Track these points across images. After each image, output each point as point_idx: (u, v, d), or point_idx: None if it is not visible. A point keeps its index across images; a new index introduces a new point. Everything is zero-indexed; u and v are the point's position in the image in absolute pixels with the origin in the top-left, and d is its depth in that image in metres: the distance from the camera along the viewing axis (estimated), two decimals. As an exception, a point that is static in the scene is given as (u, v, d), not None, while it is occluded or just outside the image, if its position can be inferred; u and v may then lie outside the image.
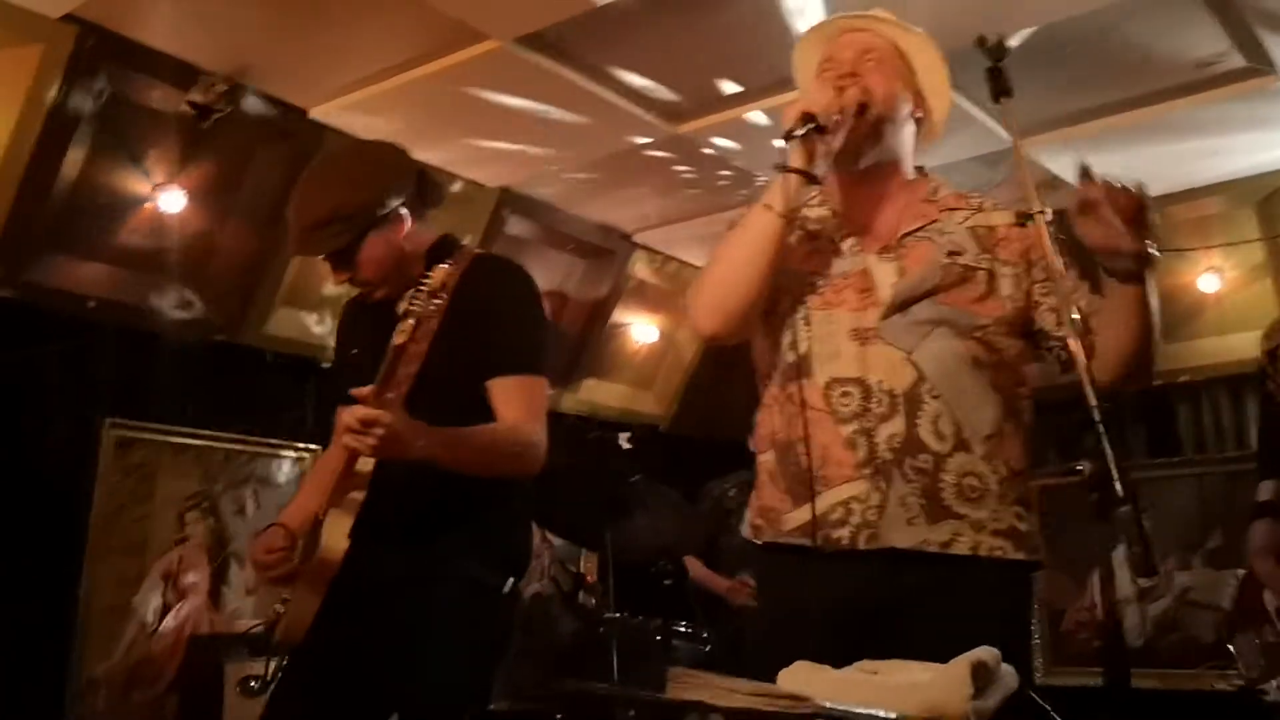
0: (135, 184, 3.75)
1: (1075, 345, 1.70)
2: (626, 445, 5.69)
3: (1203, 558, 5.02)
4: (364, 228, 2.20)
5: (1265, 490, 2.72)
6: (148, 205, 3.77)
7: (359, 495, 2.11)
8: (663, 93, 3.92)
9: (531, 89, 3.79)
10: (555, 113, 3.96)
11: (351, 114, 3.93)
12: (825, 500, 1.87)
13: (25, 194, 3.49)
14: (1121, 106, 4.00)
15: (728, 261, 1.95)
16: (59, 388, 3.74)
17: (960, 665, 1.63)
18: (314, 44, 3.54)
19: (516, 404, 2.20)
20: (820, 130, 1.84)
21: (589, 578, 5.02)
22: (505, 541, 2.31)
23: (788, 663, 1.83)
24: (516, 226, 4.85)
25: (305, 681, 2.18)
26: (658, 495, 4.11)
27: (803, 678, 1.65)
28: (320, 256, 2.24)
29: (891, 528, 1.84)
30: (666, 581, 3.92)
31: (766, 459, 1.99)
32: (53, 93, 3.41)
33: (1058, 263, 1.79)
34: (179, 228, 3.83)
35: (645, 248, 5.36)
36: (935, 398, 1.86)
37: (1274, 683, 2.52)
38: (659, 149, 4.29)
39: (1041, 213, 1.84)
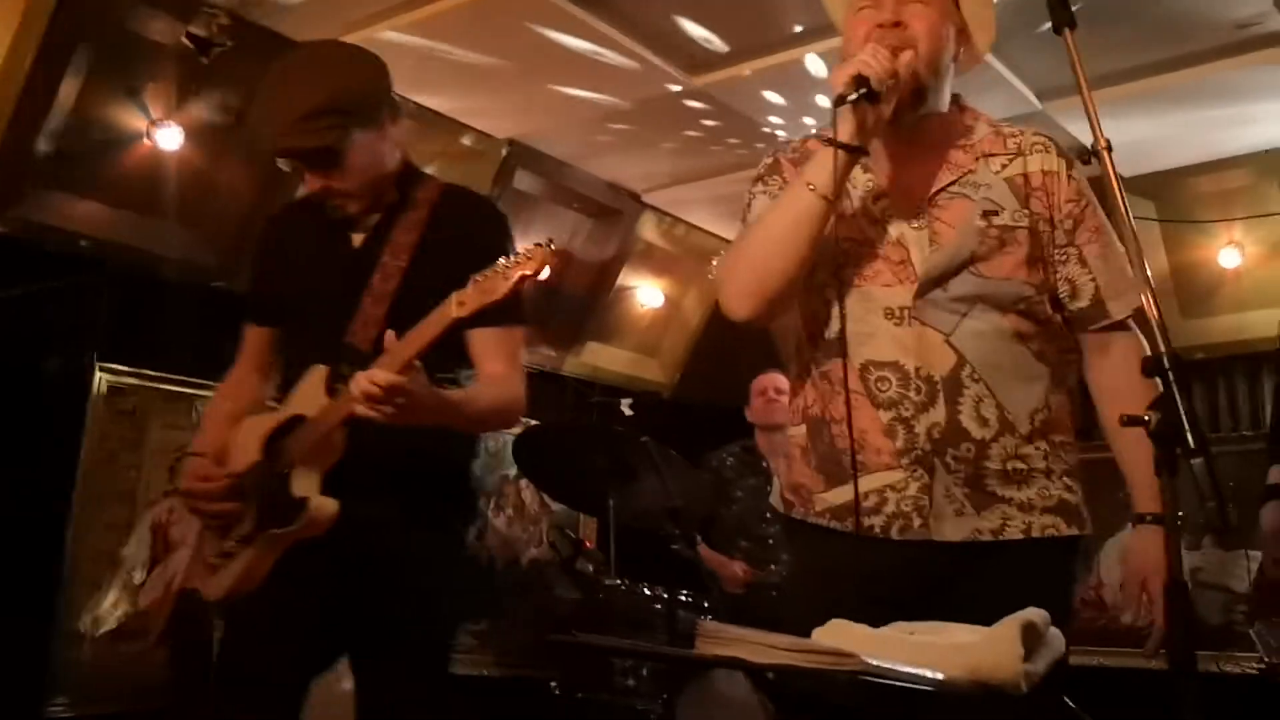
0: (132, 119, 3.61)
1: (1149, 301, 1.60)
2: (628, 412, 5.60)
3: (1212, 538, 4.95)
4: (356, 126, 2.04)
5: (1276, 473, 2.65)
6: (145, 142, 3.64)
7: (336, 453, 2.02)
8: (683, 40, 3.78)
9: (546, 31, 3.65)
10: (571, 59, 3.83)
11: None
12: (862, 485, 1.79)
13: (18, 126, 3.36)
14: (1154, 69, 3.88)
15: (764, 243, 1.82)
16: (50, 328, 3.65)
17: (1010, 626, 1.54)
18: (322, -22, 3.41)
19: (498, 357, 2.12)
20: (872, 98, 1.70)
21: (588, 543, 4.93)
22: (466, 489, 2.26)
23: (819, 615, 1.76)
24: (524, 181, 4.72)
25: (262, 631, 2.08)
26: (667, 456, 4.01)
27: (839, 634, 1.56)
28: (298, 155, 2.03)
29: (940, 521, 1.77)
30: (674, 546, 3.82)
31: (798, 433, 1.92)
32: (47, 21, 3.26)
33: (1124, 207, 1.69)
34: (177, 166, 3.70)
35: (654, 208, 5.24)
36: (976, 381, 1.78)
37: None
38: (675, 101, 4.15)
39: (1108, 147, 1.75)
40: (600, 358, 5.54)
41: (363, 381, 1.86)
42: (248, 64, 3.64)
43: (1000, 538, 1.78)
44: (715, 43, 3.79)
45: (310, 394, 2.08)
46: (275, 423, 2.12)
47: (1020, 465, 1.79)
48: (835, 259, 1.84)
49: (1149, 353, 1.82)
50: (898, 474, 1.78)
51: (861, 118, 1.71)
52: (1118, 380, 1.85)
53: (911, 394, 1.78)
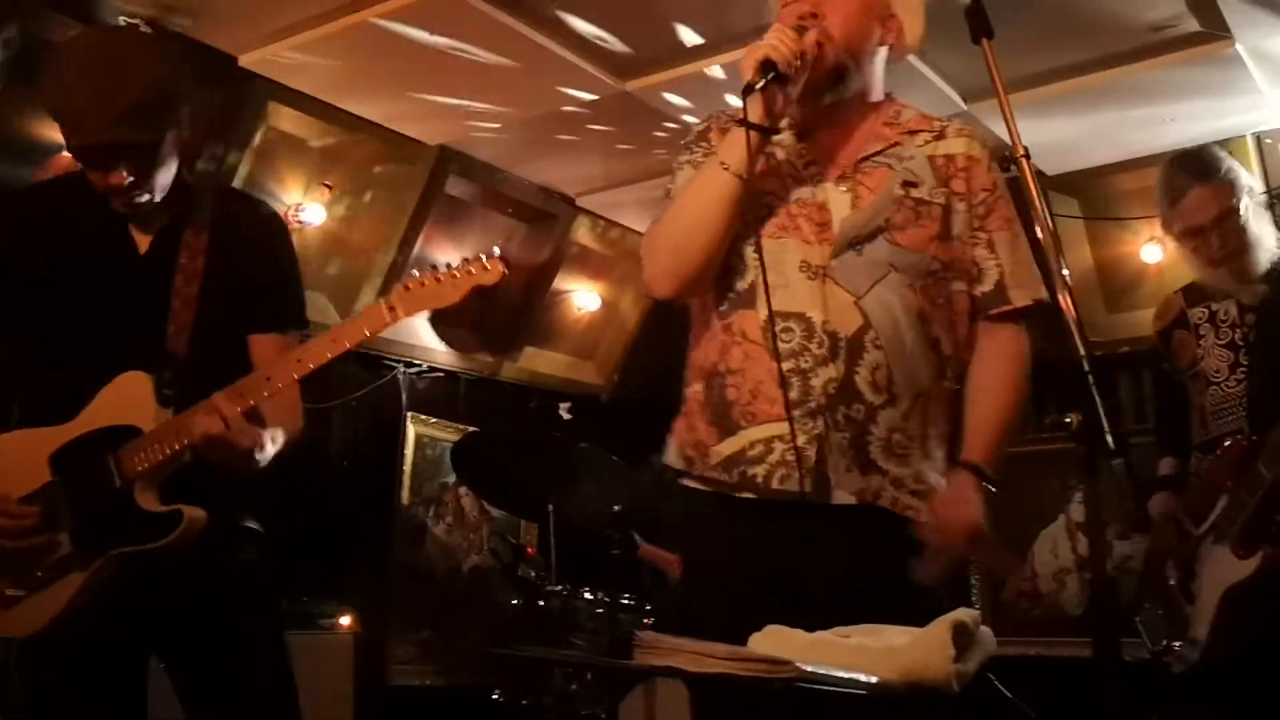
0: (49, 131, 3.51)
1: (1065, 299, 1.66)
2: (567, 415, 5.59)
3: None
4: (171, 124, 1.96)
5: (1165, 466, 2.75)
6: (63, 155, 3.55)
7: (178, 464, 1.94)
8: (613, 46, 3.78)
9: (477, 39, 3.63)
10: (501, 65, 3.81)
11: (285, 62, 3.74)
12: (748, 436, 1.82)
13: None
14: (1074, 70, 3.96)
15: (682, 223, 1.88)
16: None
17: (941, 627, 1.57)
18: (246, -15, 3.36)
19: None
20: (781, 79, 1.77)
21: (529, 550, 4.92)
22: (263, 492, 2.18)
23: (708, 615, 1.79)
24: (457, 187, 4.70)
25: (74, 657, 1.97)
26: (605, 461, 4.01)
27: (775, 641, 1.58)
28: (121, 149, 1.91)
29: (818, 475, 1.80)
30: (615, 551, 3.82)
31: (696, 390, 1.94)
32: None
33: (1041, 210, 1.75)
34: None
35: (588, 212, 5.23)
36: (878, 348, 1.83)
37: (1181, 654, 2.53)
38: (606, 106, 4.15)
39: (1026, 156, 1.80)
40: (537, 362, 5.52)
41: (224, 404, 1.86)
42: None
43: (869, 503, 1.82)
44: (645, 48, 3.79)
45: (131, 403, 1.96)
46: (67, 437, 1.97)
47: (901, 439, 1.84)
48: (757, 213, 1.88)
49: (1028, 354, 1.94)
50: (786, 426, 1.80)
51: (771, 99, 1.79)
52: (993, 359, 1.92)
53: (814, 347, 1.82)
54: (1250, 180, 2.61)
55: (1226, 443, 2.51)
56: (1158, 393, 2.88)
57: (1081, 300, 5.11)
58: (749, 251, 1.87)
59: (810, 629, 1.65)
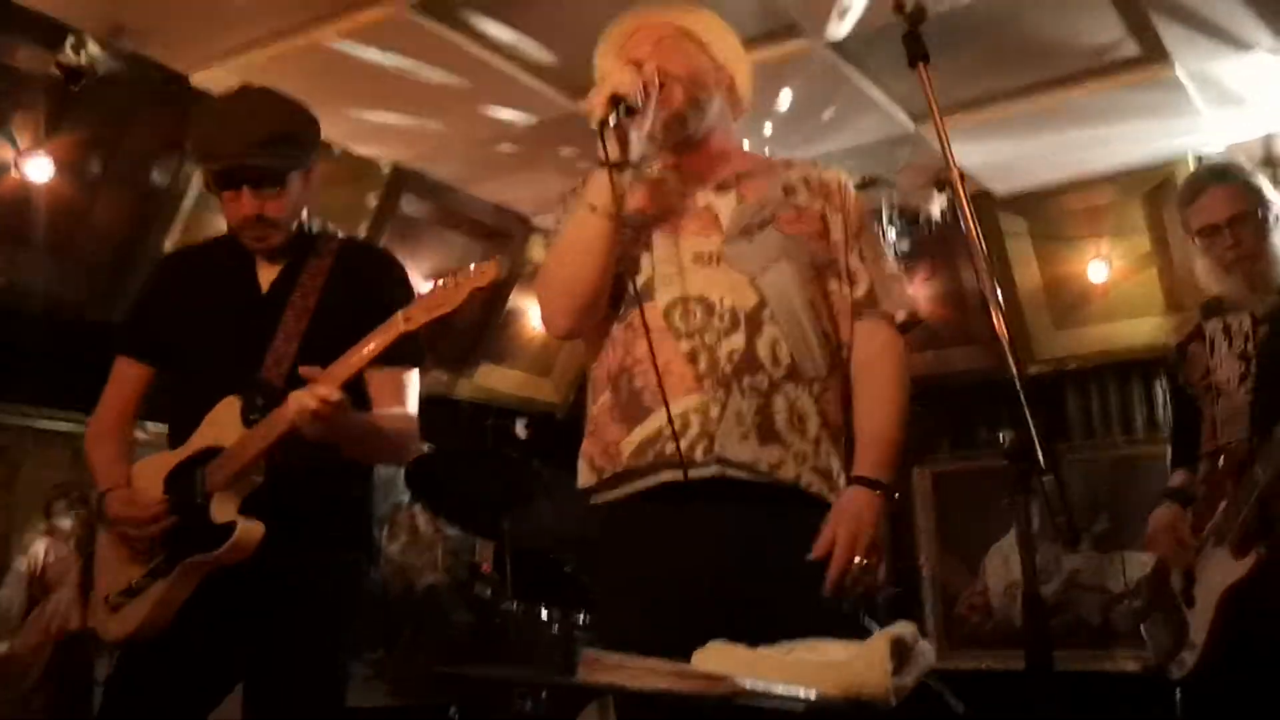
0: (-1, 150, 3.51)
1: (999, 320, 1.71)
2: (523, 433, 5.60)
3: (1090, 541, 5.14)
4: (298, 164, 2.17)
5: (1176, 479, 2.80)
6: (12, 174, 3.53)
7: (257, 479, 2.08)
8: (566, 66, 3.81)
9: (429, 59, 3.66)
10: (453, 85, 3.83)
11: (236, 79, 3.73)
12: (661, 415, 1.84)
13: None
14: (1019, 93, 4.05)
15: (564, 265, 1.96)
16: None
17: (879, 642, 1.59)
18: (196, 6, 3.35)
19: (397, 397, 2.21)
20: (630, 112, 1.84)
21: (485, 567, 4.91)
22: (369, 527, 2.35)
23: (628, 630, 1.79)
24: (410, 206, 4.71)
25: (157, 668, 2.09)
26: (558, 483, 4.02)
27: (718, 656, 1.60)
28: (253, 173, 2.10)
29: (728, 440, 1.84)
30: (567, 569, 3.83)
31: (603, 399, 1.96)
32: (-95, 48, 3.16)
33: (974, 233, 1.79)
34: (47, 198, 3.60)
35: (542, 230, 5.25)
36: (775, 323, 1.90)
37: (1182, 659, 2.57)
38: (560, 125, 4.18)
39: (962, 178, 1.84)
40: (493, 380, 5.53)
41: (305, 397, 1.95)
42: (118, 92, 3.57)
43: (775, 473, 1.86)
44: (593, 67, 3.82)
45: (223, 425, 2.11)
46: (177, 460, 2.15)
47: (801, 417, 1.89)
48: (644, 222, 1.95)
49: (904, 355, 1.99)
50: (697, 398, 1.85)
51: (623, 134, 1.85)
52: (872, 360, 1.98)
53: (715, 322, 1.88)
54: (1275, 196, 2.66)
55: (1230, 445, 2.56)
56: (1173, 407, 2.93)
57: (1030, 317, 5.20)
58: (642, 252, 1.93)
59: (734, 616, 1.67)
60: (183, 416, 2.21)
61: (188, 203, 3.91)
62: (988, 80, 3.98)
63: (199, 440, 2.14)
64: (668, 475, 1.86)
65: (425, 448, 4.91)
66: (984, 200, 4.89)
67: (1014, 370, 1.67)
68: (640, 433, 1.87)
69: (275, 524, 2.08)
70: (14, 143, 3.50)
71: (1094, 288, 5.07)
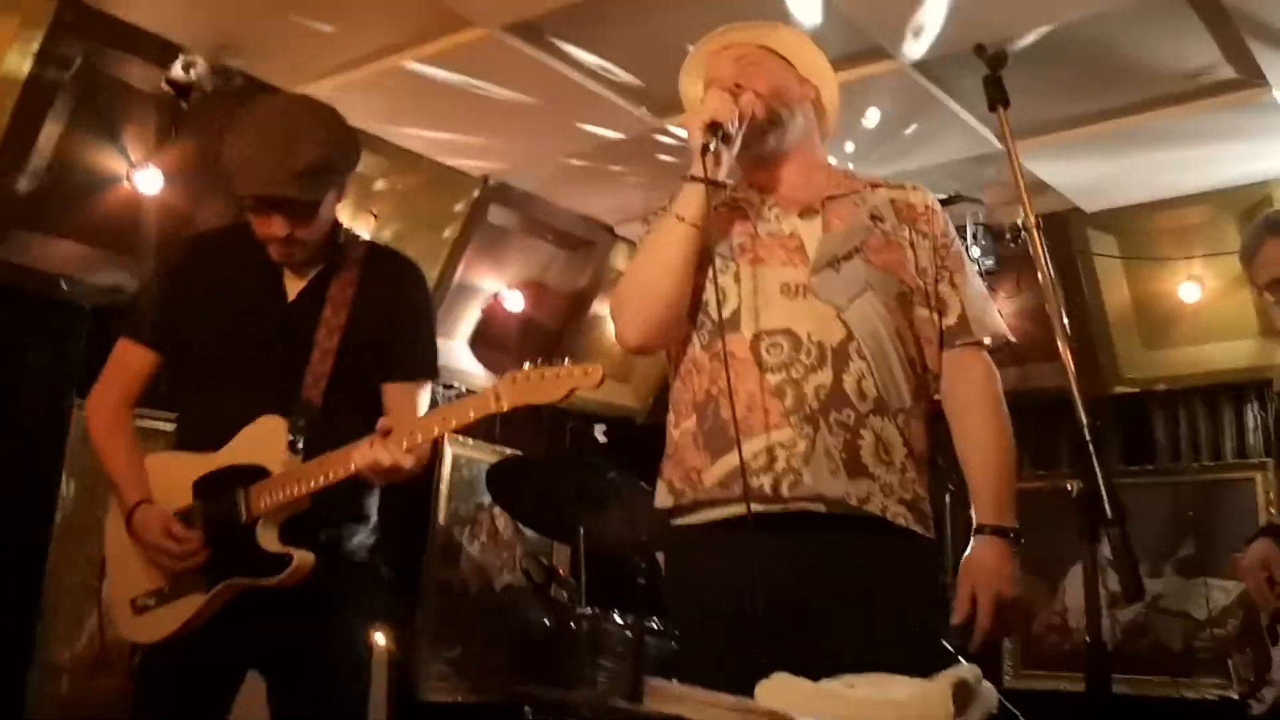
0: (111, 162, 3.67)
1: (1066, 354, 1.72)
2: (602, 438, 5.67)
3: (1174, 566, 5.04)
4: (336, 184, 2.17)
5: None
6: (124, 185, 3.70)
7: (304, 505, 2.10)
8: (650, 85, 3.87)
9: (518, 78, 3.74)
10: (541, 103, 3.92)
11: (335, 96, 3.79)
12: (749, 447, 1.87)
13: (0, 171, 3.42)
14: (1111, 114, 3.99)
15: (645, 274, 2.00)
16: (29, 367, 3.67)
17: (942, 683, 1.62)
18: (299, 25, 3.48)
19: (411, 411, 2.20)
20: (726, 138, 1.90)
21: (560, 571, 5.00)
22: (378, 532, 2.35)
23: (703, 655, 1.89)
24: (498, 216, 4.80)
25: (182, 661, 2.14)
26: (635, 490, 4.08)
27: (781, 690, 1.64)
28: (287, 204, 2.10)
29: (817, 477, 1.87)
30: (640, 580, 3.89)
31: (686, 425, 1.99)
32: (28, 67, 3.33)
33: (1048, 272, 1.81)
34: (156, 208, 3.76)
35: (627, 240, 5.32)
36: (862, 358, 1.91)
37: (1261, 695, 2.55)
38: (644, 141, 4.24)
39: (1038, 226, 1.86)
40: (575, 385, 5.60)
41: (381, 454, 1.98)
42: (226, 108, 3.71)
43: (864, 507, 1.88)
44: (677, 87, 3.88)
45: (266, 445, 2.12)
46: (208, 469, 2.15)
47: (888, 450, 1.91)
48: (732, 249, 1.99)
49: (998, 381, 2.02)
50: (786, 432, 1.87)
51: (717, 156, 1.91)
52: (969, 395, 2.00)
53: (802, 357, 1.90)
54: None
55: None
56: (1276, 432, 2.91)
57: (1119, 337, 5.12)
58: (728, 282, 1.96)
59: (812, 646, 1.71)
60: (198, 416, 2.22)
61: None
62: (1079, 100, 3.93)
63: (235, 454, 2.13)
64: (755, 507, 1.86)
65: (506, 450, 5.04)
66: (1074, 217, 4.82)
67: (1083, 420, 1.68)
68: (724, 464, 1.90)
69: (291, 532, 2.11)
70: (126, 155, 3.66)
71: (1185, 308, 4.96)
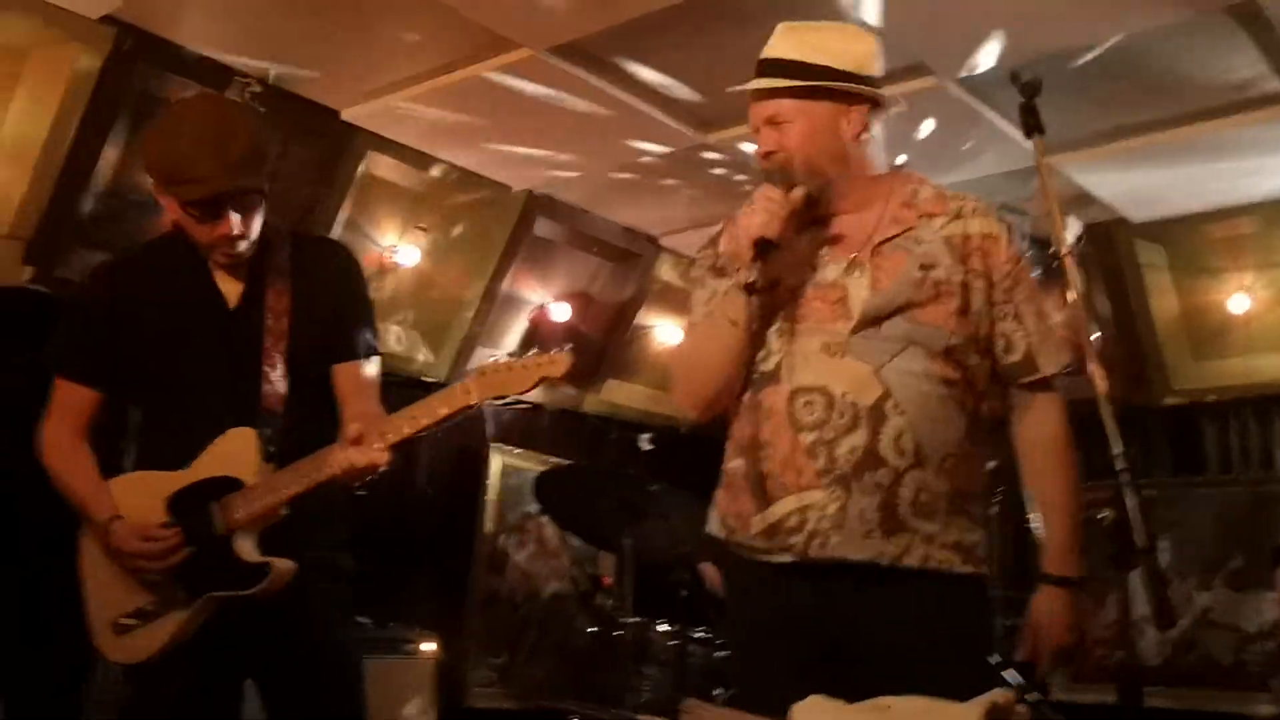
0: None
1: (1101, 381, 1.73)
2: (647, 446, 5.70)
3: (1224, 578, 4.98)
4: (267, 174, 2.15)
5: None
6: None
7: (282, 511, 2.10)
8: (693, 101, 3.91)
9: (563, 96, 3.80)
10: (586, 119, 3.97)
11: (383, 116, 3.96)
12: (783, 506, 1.90)
13: (61, 192, 3.53)
14: (1157, 125, 3.96)
15: (699, 361, 2.05)
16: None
17: (976, 707, 1.64)
18: (347, 48, 3.56)
19: (370, 391, 2.22)
20: (776, 246, 1.89)
21: (606, 580, 5.04)
22: (350, 529, 2.33)
23: (756, 676, 1.92)
24: (543, 228, 4.87)
25: (174, 677, 2.13)
26: (677, 502, 4.12)
27: (816, 711, 1.66)
28: (239, 195, 2.07)
29: (847, 540, 1.87)
30: (684, 593, 3.92)
31: (738, 464, 2.02)
32: (90, 92, 3.44)
33: (1076, 293, 1.82)
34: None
35: (671, 251, 5.36)
36: (900, 414, 1.90)
37: None
38: (689, 155, 4.28)
39: (1070, 253, 1.87)
40: (619, 395, 5.65)
41: (356, 456, 2.01)
42: (279, 128, 3.81)
43: (899, 564, 1.88)
44: (723, 103, 3.90)
45: (237, 457, 2.11)
46: (179, 485, 2.13)
47: (928, 499, 1.90)
48: (777, 301, 1.98)
49: (1065, 419, 2.00)
50: (818, 494, 1.88)
51: (766, 265, 1.90)
52: (1036, 437, 2.00)
53: (836, 417, 1.89)
54: None
55: None
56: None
57: (1168, 348, 5.07)
58: (772, 335, 1.97)
59: (855, 686, 1.73)
60: (158, 435, 2.21)
61: (337, 229, 4.14)
62: (1125, 113, 3.91)
63: (207, 468, 2.12)
64: (790, 559, 1.91)
65: (552, 460, 5.10)
66: (1120, 228, 4.79)
67: (1115, 448, 1.70)
68: (763, 518, 1.93)
69: (273, 543, 2.10)
70: (182, 175, 3.75)
71: (1235, 319, 4.90)
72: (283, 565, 2.09)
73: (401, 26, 3.41)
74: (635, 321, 5.50)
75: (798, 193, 1.92)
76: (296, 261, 2.22)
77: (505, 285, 4.82)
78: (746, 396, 2.01)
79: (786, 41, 2.02)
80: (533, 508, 5.13)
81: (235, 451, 2.12)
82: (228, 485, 2.11)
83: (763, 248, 1.87)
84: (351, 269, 2.33)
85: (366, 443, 2.02)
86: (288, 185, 3.99)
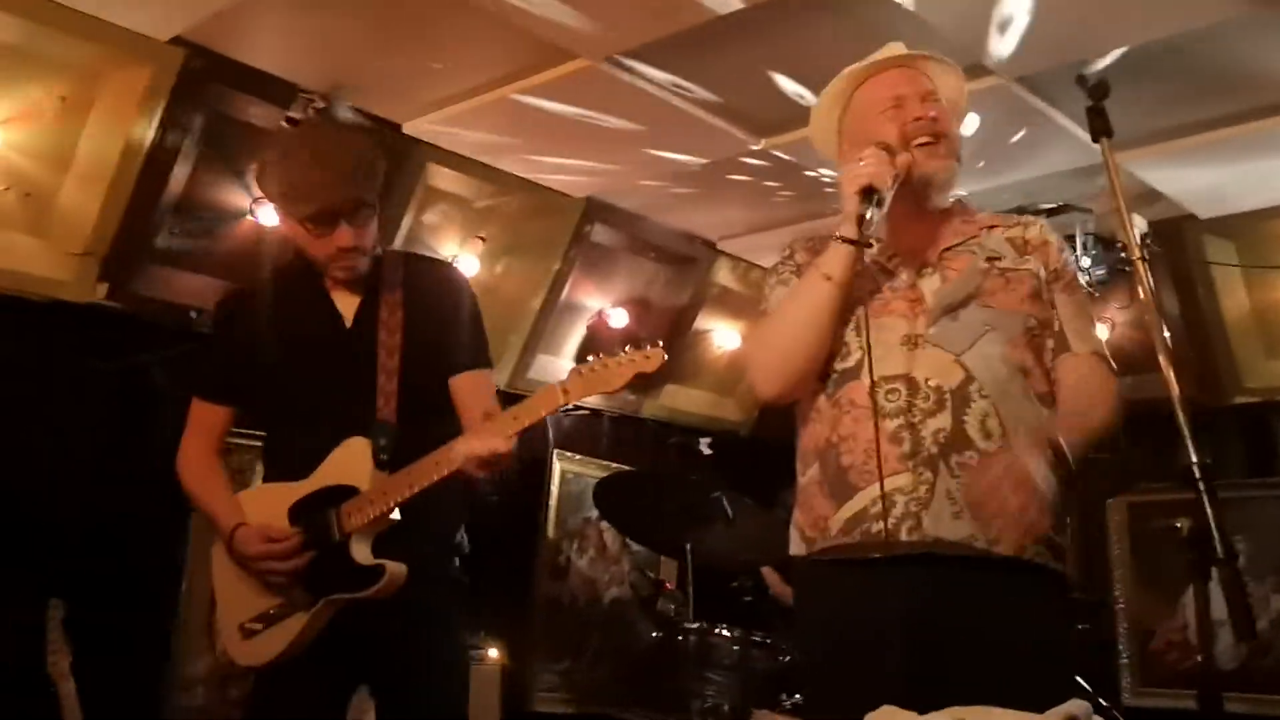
0: (237, 198, 3.86)
1: (1174, 385, 1.70)
2: (707, 451, 5.71)
3: (1301, 579, 4.87)
4: (378, 188, 2.26)
5: None
6: (248, 219, 3.88)
7: (394, 518, 2.18)
8: (749, 107, 3.91)
9: (620, 104, 3.82)
10: (643, 126, 3.98)
11: (443, 127, 4.01)
12: (868, 494, 1.90)
13: (133, 210, 3.62)
14: (1225, 121, 3.89)
15: (787, 328, 2.03)
16: (163, 395, 3.83)
17: (1051, 718, 1.63)
18: (408, 63, 3.61)
19: (488, 398, 2.30)
20: (880, 202, 1.91)
21: (667, 585, 5.05)
22: (462, 541, 2.41)
23: (842, 685, 1.89)
24: (601, 235, 4.89)
25: (293, 677, 2.22)
26: (739, 507, 4.12)
27: (887, 721, 1.66)
28: (350, 206, 2.19)
29: (937, 521, 1.86)
30: (746, 599, 3.92)
31: (811, 473, 2.02)
32: (160, 112, 3.53)
33: (1148, 298, 1.80)
34: (277, 240, 3.93)
35: (729, 255, 5.36)
36: (984, 397, 1.91)
37: None
38: (744, 161, 4.28)
39: (1142, 258, 1.84)
40: (678, 399, 5.66)
41: (477, 445, 2.07)
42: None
43: (994, 550, 1.87)
44: (777, 108, 3.90)
45: (353, 466, 2.21)
46: (300, 494, 2.24)
47: (1020, 482, 1.87)
48: (852, 304, 2.00)
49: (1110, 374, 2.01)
50: (905, 477, 1.88)
51: (868, 218, 1.92)
52: (1078, 380, 2.00)
53: (920, 401, 1.91)
54: None
55: None
56: None
57: (1239, 346, 4.96)
58: (850, 333, 1.99)
59: (939, 683, 1.72)
60: (281, 449, 2.33)
61: (395, 244, 4.20)
62: (1191, 108, 3.84)
63: (325, 478, 2.22)
64: (876, 553, 1.89)
65: (613, 465, 5.12)
66: (1188, 224, 4.70)
67: (1193, 457, 1.66)
68: (847, 510, 1.93)
69: (389, 550, 2.18)
70: (249, 191, 3.83)
71: (1309, 316, 4.80)
72: (395, 568, 2.17)
73: (460, 41, 3.45)
74: (693, 326, 5.50)
75: (904, 157, 1.96)
76: (409, 280, 2.33)
77: (564, 292, 4.85)
78: (822, 400, 2.02)
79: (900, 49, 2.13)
80: (593, 513, 5.16)
81: (350, 460, 2.22)
82: (344, 493, 2.20)
83: (867, 195, 1.89)
84: (462, 287, 2.42)
85: (492, 427, 2.08)
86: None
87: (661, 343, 2.06)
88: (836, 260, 1.94)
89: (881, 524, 1.87)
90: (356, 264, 2.27)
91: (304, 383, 2.29)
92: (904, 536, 1.87)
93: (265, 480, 2.37)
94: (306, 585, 2.20)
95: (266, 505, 2.26)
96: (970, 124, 3.98)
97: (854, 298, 1.99)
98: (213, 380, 2.40)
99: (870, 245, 1.98)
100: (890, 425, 1.91)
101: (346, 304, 2.32)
